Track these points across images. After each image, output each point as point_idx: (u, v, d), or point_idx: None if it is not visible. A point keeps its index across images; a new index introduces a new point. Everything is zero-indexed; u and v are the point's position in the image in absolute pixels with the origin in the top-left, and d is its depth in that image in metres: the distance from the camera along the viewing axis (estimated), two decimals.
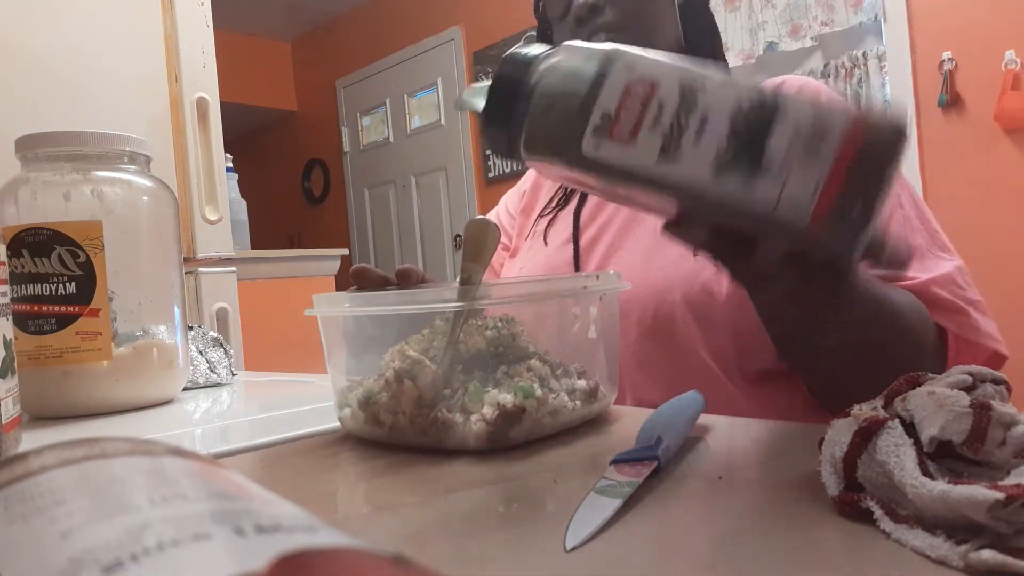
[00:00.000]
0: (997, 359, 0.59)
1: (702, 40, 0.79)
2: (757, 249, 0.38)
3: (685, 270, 0.67)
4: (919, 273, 0.59)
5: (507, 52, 0.41)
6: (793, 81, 0.73)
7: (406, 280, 0.57)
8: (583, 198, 0.80)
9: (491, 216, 0.95)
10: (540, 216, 0.85)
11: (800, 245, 0.37)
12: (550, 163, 0.39)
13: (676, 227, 0.39)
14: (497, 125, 0.40)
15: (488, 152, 3.88)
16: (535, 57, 0.39)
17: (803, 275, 0.40)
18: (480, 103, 0.40)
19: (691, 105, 0.35)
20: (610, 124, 0.35)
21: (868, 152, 0.34)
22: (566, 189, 0.84)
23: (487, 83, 0.40)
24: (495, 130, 0.40)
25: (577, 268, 0.77)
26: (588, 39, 0.67)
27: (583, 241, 0.77)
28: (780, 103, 0.34)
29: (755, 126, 0.34)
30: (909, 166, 2.48)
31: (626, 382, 0.70)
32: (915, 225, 0.62)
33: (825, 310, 0.46)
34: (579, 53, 0.38)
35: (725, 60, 0.80)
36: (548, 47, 0.40)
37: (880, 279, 0.55)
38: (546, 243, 0.81)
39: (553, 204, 0.84)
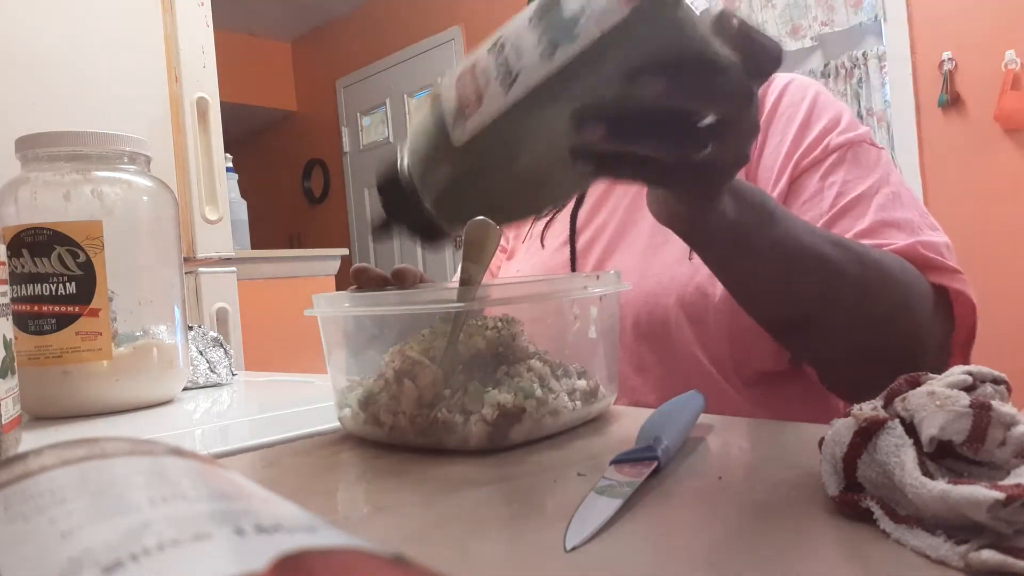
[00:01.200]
0: (971, 337, 0.58)
1: None
2: (647, 140, 0.36)
3: (679, 273, 0.67)
4: (904, 237, 0.58)
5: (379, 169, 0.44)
6: (781, 78, 0.73)
7: (402, 280, 0.58)
8: (580, 200, 0.80)
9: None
10: (537, 218, 0.85)
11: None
12: (450, 181, 0.40)
13: (579, 155, 0.38)
14: (409, 216, 0.43)
15: None
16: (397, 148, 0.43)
17: (693, 163, 0.39)
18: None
19: (499, 45, 0.37)
20: (459, 109, 0.38)
21: None
22: None
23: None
24: (412, 221, 0.43)
25: (573, 271, 0.77)
26: None
27: (579, 243, 0.77)
28: None
29: (544, 7, 0.36)
30: (909, 166, 2.49)
31: (622, 386, 0.70)
32: (904, 202, 0.62)
33: (750, 234, 0.47)
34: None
35: None
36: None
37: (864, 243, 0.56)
38: (543, 245, 0.81)
39: None
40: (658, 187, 0.44)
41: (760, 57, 0.35)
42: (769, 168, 0.67)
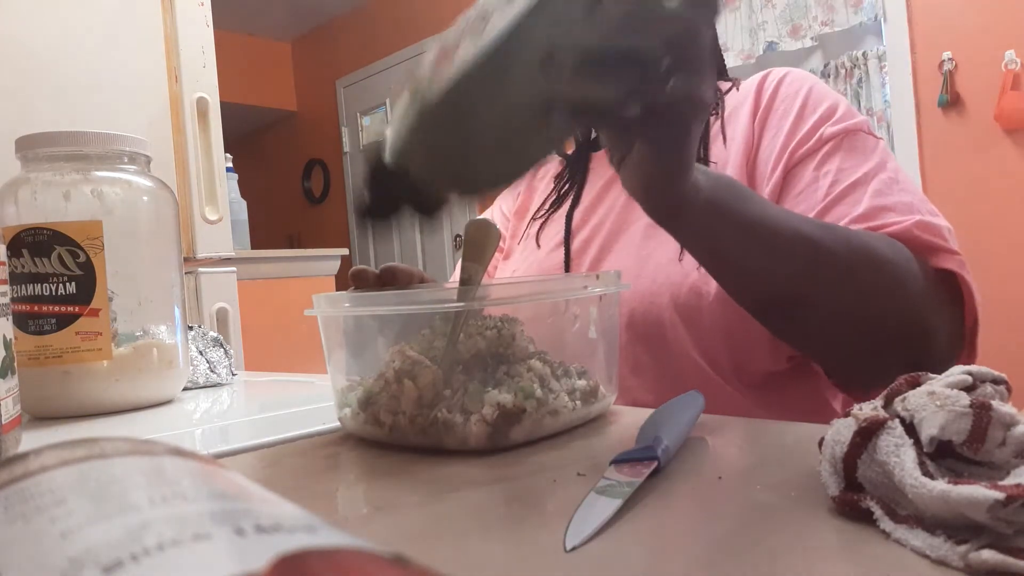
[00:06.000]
0: (975, 326, 0.57)
1: None
2: (614, 83, 0.38)
3: (673, 273, 0.67)
4: (901, 219, 0.57)
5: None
6: (758, 75, 0.73)
7: (393, 278, 0.58)
8: (576, 201, 0.80)
9: (489, 215, 0.95)
10: (533, 219, 0.85)
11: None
12: (442, 143, 0.41)
13: (549, 103, 0.39)
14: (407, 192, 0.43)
15: None
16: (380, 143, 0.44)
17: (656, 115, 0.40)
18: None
19: (466, 14, 0.39)
20: (434, 71, 0.39)
21: None
22: (559, 191, 0.84)
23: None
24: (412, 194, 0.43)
25: (568, 271, 0.77)
26: None
27: (575, 244, 0.77)
28: None
29: None
30: (909, 166, 2.49)
31: (620, 386, 0.70)
32: (902, 187, 0.61)
33: (730, 216, 0.48)
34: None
35: (723, 60, 0.80)
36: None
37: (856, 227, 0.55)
38: (539, 245, 0.81)
39: (546, 207, 0.84)
40: (626, 135, 0.44)
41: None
42: (765, 162, 0.67)
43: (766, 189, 0.65)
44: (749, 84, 0.73)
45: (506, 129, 0.41)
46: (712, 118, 0.73)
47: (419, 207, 0.43)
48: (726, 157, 0.70)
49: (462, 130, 0.40)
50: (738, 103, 0.73)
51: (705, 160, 0.70)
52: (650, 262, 0.69)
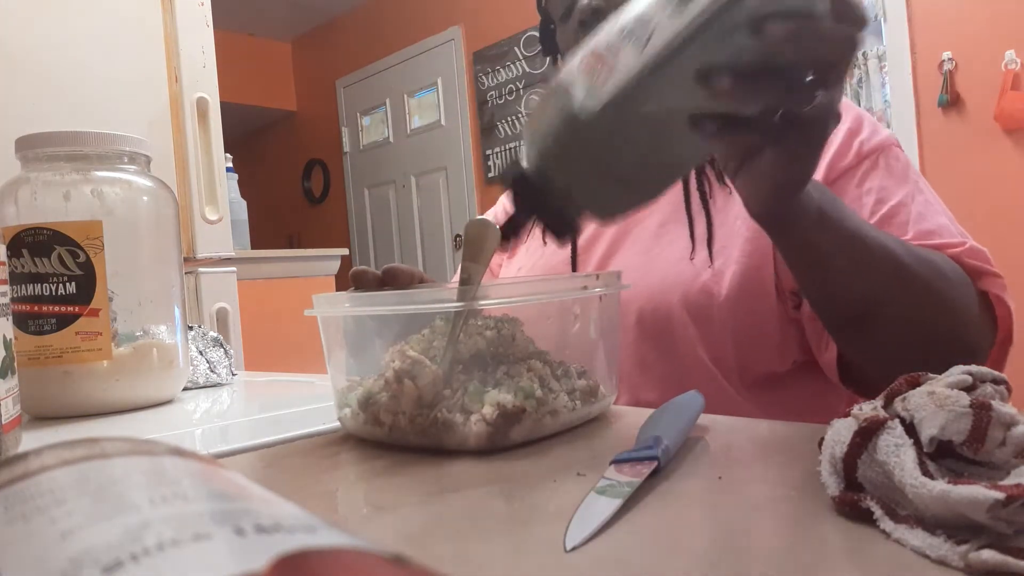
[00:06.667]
0: (1008, 341, 0.59)
1: None
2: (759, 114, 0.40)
3: (684, 271, 0.67)
4: (953, 242, 0.60)
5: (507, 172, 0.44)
6: None
7: (394, 279, 0.58)
8: None
9: (489, 215, 0.95)
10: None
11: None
12: (592, 160, 0.41)
13: (704, 115, 0.40)
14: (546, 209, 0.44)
15: (488, 152, 3.88)
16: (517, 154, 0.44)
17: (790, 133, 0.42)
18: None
19: (619, 25, 0.39)
20: (590, 84, 0.39)
21: None
22: None
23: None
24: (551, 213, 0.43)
25: (574, 269, 0.77)
26: None
27: (581, 241, 0.77)
28: None
29: (594, 20, 0.39)
30: None
31: (624, 383, 0.70)
32: (936, 208, 0.63)
33: (832, 233, 0.49)
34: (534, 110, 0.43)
35: None
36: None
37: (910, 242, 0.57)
38: (544, 243, 0.81)
39: None
40: (771, 145, 0.45)
41: (851, 17, 0.39)
42: None
43: None
44: None
45: (657, 142, 0.41)
46: None
47: (555, 224, 0.44)
48: None
49: (620, 141, 0.40)
50: None
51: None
52: (660, 260, 0.69)
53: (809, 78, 0.40)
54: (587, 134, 0.40)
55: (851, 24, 0.39)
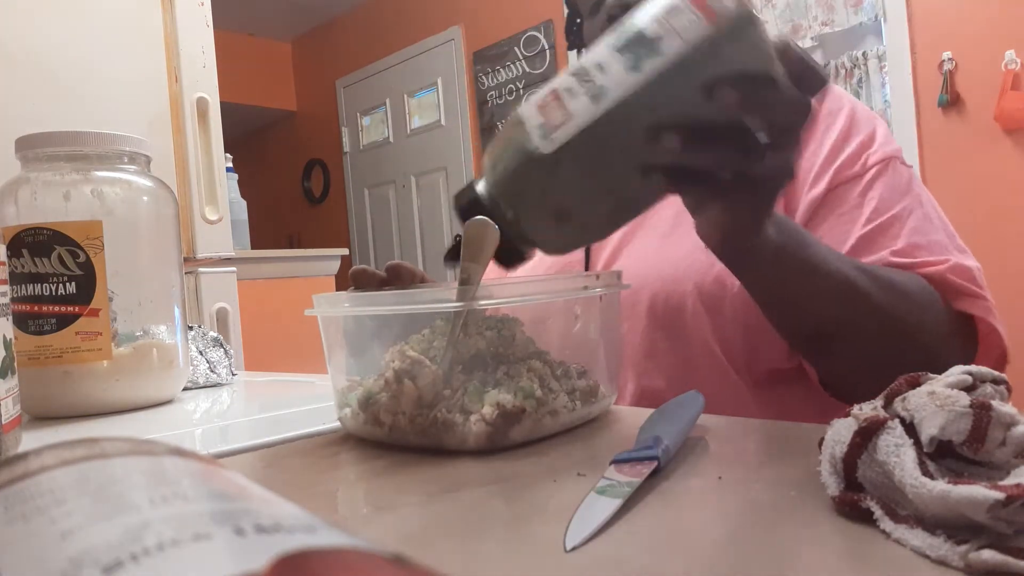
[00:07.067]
0: (1003, 360, 0.61)
1: None
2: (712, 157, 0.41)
3: (698, 261, 0.67)
4: (935, 259, 0.61)
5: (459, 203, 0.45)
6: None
7: (397, 276, 0.58)
8: None
9: None
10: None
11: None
12: (541, 193, 0.43)
13: (654, 167, 0.41)
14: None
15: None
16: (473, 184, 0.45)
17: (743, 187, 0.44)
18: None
19: (581, 69, 0.41)
20: (545, 124, 0.41)
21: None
22: None
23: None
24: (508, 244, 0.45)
25: (588, 257, 0.77)
26: None
27: None
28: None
29: (622, 14, 0.41)
30: None
31: (632, 369, 0.71)
32: (935, 224, 0.65)
33: (788, 258, 0.51)
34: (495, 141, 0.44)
35: None
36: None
37: (891, 265, 0.60)
38: None
39: None
40: (720, 200, 0.47)
41: (811, 80, 0.40)
42: (806, 171, 0.68)
43: (806, 197, 0.67)
44: None
45: (607, 187, 0.43)
46: None
47: (502, 252, 0.45)
48: None
49: (569, 183, 0.42)
50: None
51: None
52: (675, 248, 0.70)
53: (763, 140, 0.41)
54: (538, 173, 0.41)
55: (809, 89, 0.40)
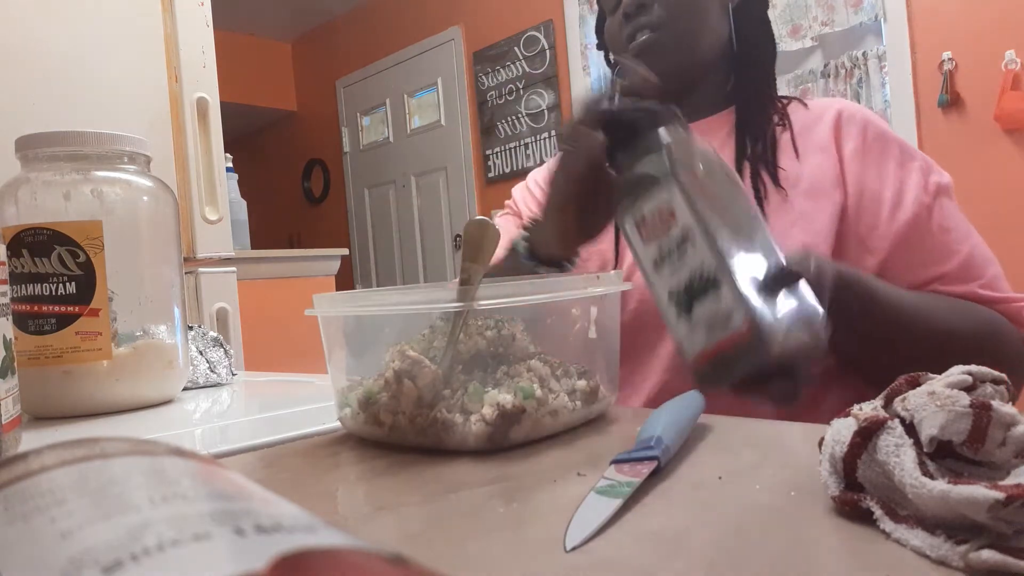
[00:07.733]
0: None
1: (756, 50, 0.79)
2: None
3: None
4: (1015, 296, 0.68)
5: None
6: (832, 103, 0.77)
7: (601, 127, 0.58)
8: None
9: (516, 192, 0.94)
10: None
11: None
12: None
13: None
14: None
15: (488, 152, 3.88)
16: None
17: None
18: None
19: (684, 247, 0.47)
20: (640, 223, 0.50)
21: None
22: None
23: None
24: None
25: (616, 258, 0.78)
26: (632, 36, 0.72)
27: None
28: (720, 281, 0.45)
29: (697, 290, 0.47)
30: None
31: (639, 362, 0.72)
32: (987, 255, 0.70)
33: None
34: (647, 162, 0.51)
35: (773, 76, 0.81)
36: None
37: (966, 296, 0.66)
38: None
39: None
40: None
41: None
42: (877, 202, 0.71)
43: (890, 229, 0.70)
44: (821, 110, 0.77)
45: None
46: (779, 129, 0.76)
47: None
48: (799, 170, 0.73)
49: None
50: (809, 124, 0.76)
51: (773, 168, 0.73)
52: None
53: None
54: (621, 222, 0.53)
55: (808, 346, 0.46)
